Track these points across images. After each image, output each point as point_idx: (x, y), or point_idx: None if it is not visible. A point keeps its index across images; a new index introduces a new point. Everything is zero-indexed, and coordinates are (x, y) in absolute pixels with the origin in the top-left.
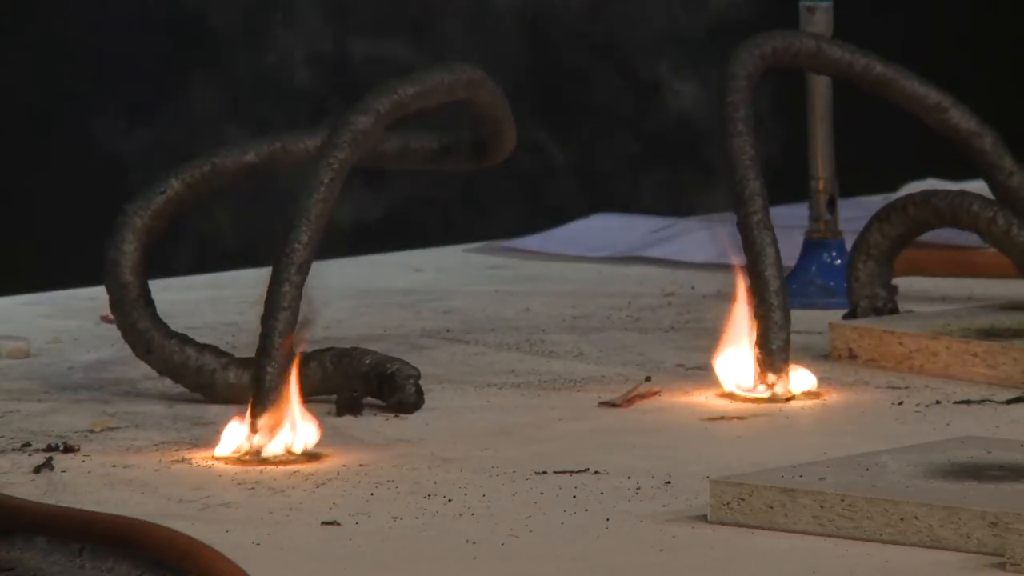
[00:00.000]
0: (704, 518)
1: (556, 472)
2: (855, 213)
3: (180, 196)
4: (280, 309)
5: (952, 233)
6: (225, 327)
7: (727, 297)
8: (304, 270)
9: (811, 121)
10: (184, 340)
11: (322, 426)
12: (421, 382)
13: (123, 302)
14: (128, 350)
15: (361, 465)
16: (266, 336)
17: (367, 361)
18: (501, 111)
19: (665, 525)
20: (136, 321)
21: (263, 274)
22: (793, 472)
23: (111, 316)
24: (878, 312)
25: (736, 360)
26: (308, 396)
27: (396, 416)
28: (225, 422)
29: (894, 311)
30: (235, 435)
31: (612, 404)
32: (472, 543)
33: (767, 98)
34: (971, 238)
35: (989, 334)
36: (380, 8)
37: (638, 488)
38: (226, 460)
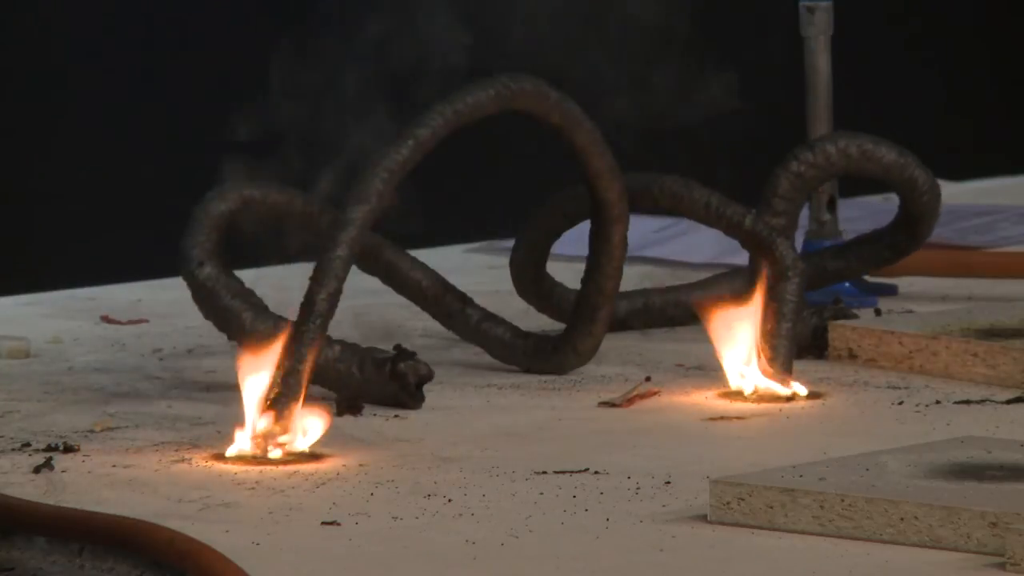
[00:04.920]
0: (704, 518)
1: (556, 472)
2: (855, 213)
3: (251, 200)
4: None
5: (953, 233)
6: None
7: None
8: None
9: (810, 122)
10: (232, 275)
11: (330, 420)
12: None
13: (200, 225)
14: (127, 351)
15: (361, 465)
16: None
17: (384, 354)
18: (621, 212)
19: (665, 525)
20: (201, 242)
21: (267, 273)
22: (793, 472)
23: (111, 316)
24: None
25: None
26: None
27: (396, 416)
28: (225, 423)
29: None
30: (243, 437)
31: (612, 404)
32: (472, 543)
33: (766, 99)
34: (970, 238)
35: (989, 334)
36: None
37: (638, 488)
38: (226, 460)
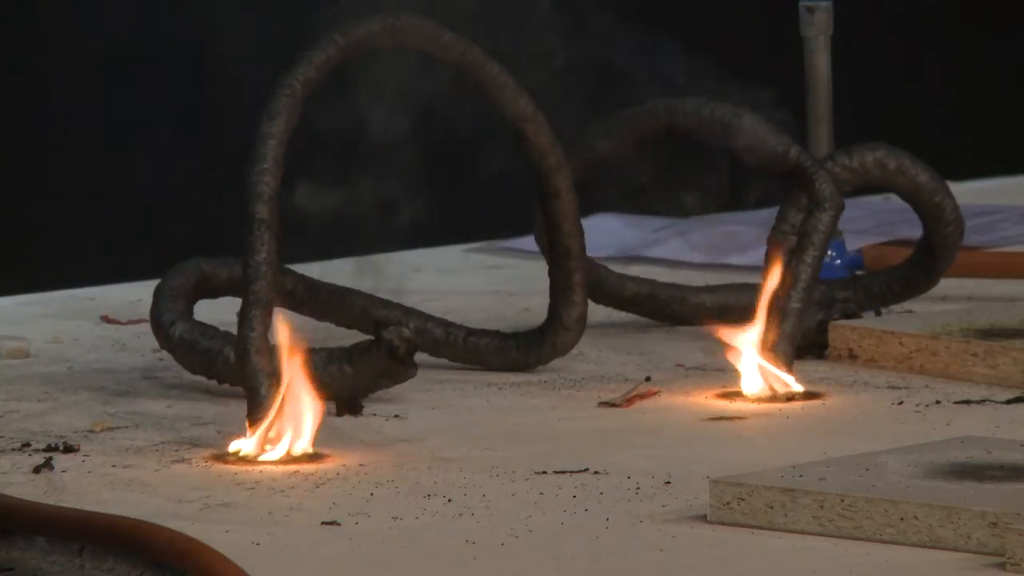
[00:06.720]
0: (704, 518)
1: (556, 472)
2: (855, 213)
3: (207, 275)
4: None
5: None
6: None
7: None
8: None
9: (810, 122)
10: (204, 324)
11: (324, 411)
12: (421, 380)
13: (164, 296)
14: (127, 351)
15: (361, 465)
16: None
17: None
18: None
19: (665, 525)
20: (169, 308)
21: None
22: (793, 472)
23: (111, 316)
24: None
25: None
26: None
27: (396, 416)
28: (225, 423)
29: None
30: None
31: (612, 404)
32: (472, 543)
33: (767, 99)
34: (970, 238)
35: (989, 334)
36: None
37: (638, 488)
38: (226, 460)
